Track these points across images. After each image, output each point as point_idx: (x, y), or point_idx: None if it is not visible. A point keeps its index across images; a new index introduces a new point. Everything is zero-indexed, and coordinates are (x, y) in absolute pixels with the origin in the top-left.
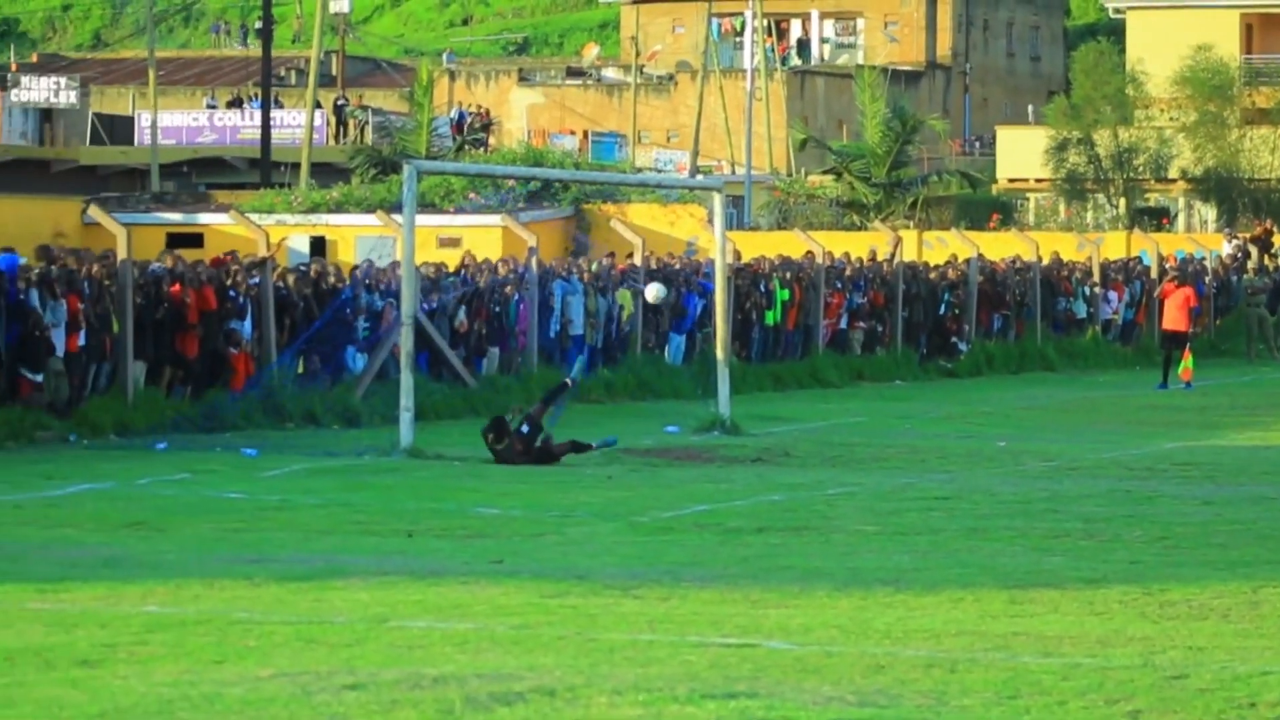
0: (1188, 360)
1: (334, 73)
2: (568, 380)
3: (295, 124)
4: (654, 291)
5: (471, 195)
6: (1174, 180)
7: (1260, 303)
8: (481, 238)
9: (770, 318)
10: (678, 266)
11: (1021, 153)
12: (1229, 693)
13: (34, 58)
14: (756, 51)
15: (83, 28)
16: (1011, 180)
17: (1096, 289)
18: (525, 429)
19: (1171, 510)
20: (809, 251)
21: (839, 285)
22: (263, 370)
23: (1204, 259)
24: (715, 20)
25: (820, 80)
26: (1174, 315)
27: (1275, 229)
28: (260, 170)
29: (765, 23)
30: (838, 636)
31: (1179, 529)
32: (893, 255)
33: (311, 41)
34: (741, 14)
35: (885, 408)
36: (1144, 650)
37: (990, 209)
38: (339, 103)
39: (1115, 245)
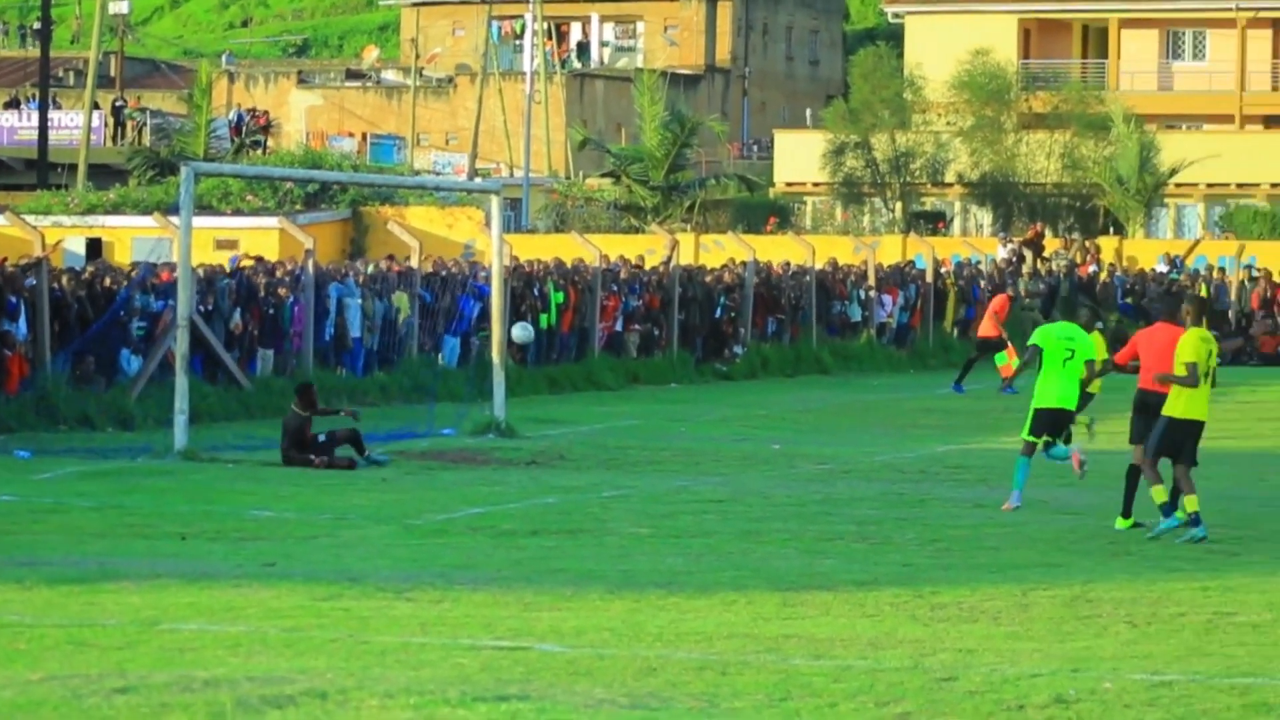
0: (1012, 360)
1: (113, 74)
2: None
3: (73, 125)
4: (520, 332)
5: (249, 197)
6: (950, 184)
7: (1035, 306)
8: (259, 239)
9: (545, 320)
10: (454, 269)
11: (799, 156)
12: (998, 695)
13: None
14: (536, 54)
15: None
16: (789, 184)
17: (872, 293)
18: (323, 439)
19: (943, 513)
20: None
21: (615, 288)
22: (37, 372)
23: (979, 263)
24: (495, 23)
25: (599, 83)
26: (985, 323)
27: (1048, 233)
28: (37, 171)
29: (545, 26)
30: (610, 639)
31: (951, 532)
32: (669, 258)
33: (90, 42)
34: (521, 17)
35: (660, 410)
36: (914, 652)
37: (767, 212)
38: (117, 104)
39: (891, 249)
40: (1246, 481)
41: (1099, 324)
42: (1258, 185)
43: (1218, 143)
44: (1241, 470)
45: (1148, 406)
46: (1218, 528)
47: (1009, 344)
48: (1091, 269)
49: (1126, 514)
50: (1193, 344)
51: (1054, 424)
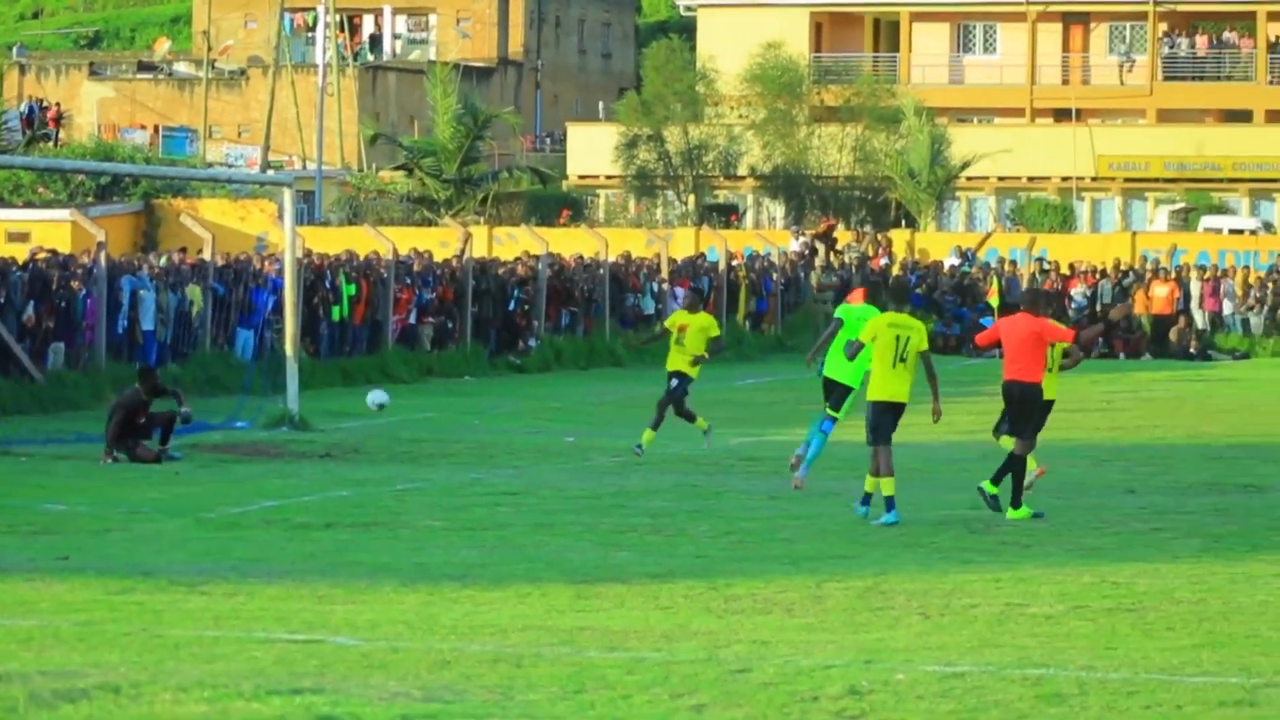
0: None
1: None
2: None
3: None
4: (376, 399)
5: (41, 190)
6: (743, 177)
7: (827, 299)
8: (51, 232)
9: (336, 313)
10: (246, 260)
11: (592, 149)
12: (792, 686)
13: None
14: (328, 47)
15: None
16: (582, 177)
17: (664, 285)
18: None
19: (738, 505)
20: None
21: (409, 281)
22: None
23: (771, 256)
24: (287, 15)
25: (392, 76)
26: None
27: (840, 226)
28: None
29: (337, 18)
30: (404, 632)
31: (745, 524)
32: (462, 251)
33: None
34: (314, 9)
35: (454, 403)
36: (709, 644)
37: (560, 205)
38: None
39: (684, 242)
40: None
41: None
42: (1048, 178)
43: (1008, 136)
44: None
45: (1009, 398)
46: (1009, 520)
47: None
48: (883, 262)
49: (1016, 504)
50: (882, 324)
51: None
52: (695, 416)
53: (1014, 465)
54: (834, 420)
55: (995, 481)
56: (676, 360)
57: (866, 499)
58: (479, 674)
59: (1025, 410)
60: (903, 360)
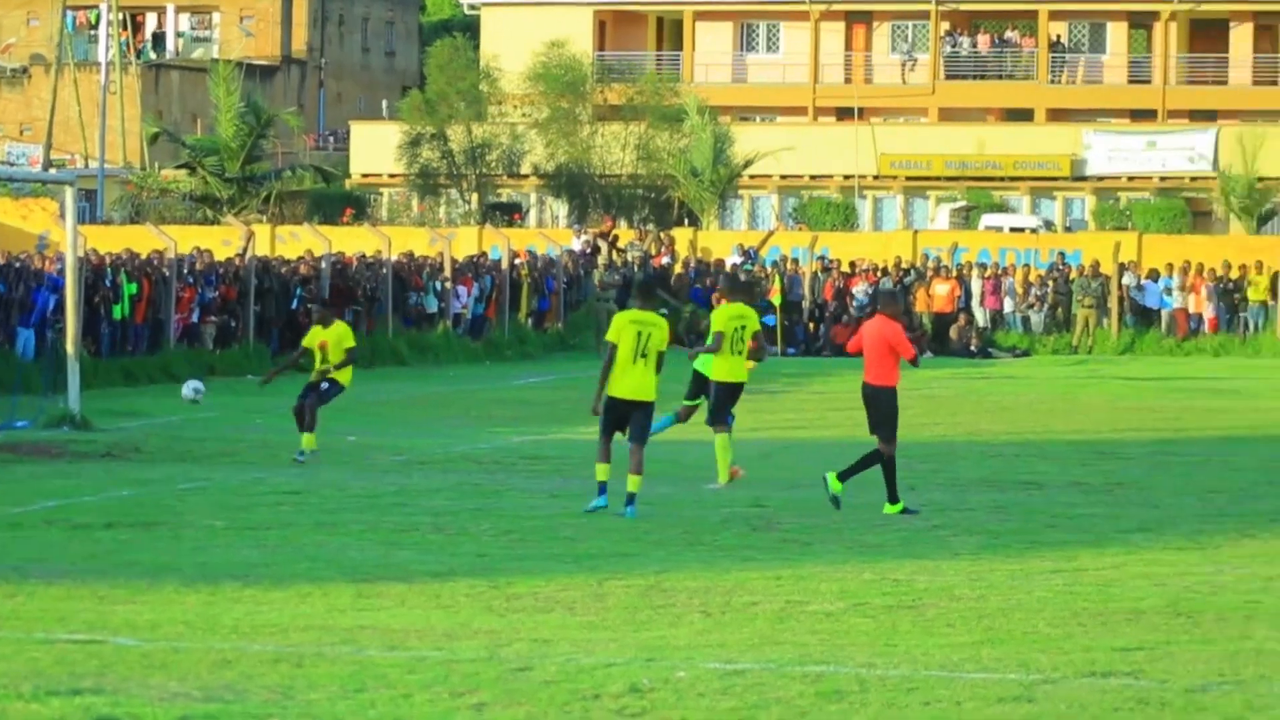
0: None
1: None
2: None
3: None
4: (191, 388)
5: None
6: (526, 176)
7: (610, 298)
8: None
9: (118, 312)
10: (27, 259)
11: (375, 148)
12: (574, 684)
13: None
14: (111, 45)
15: None
16: (365, 175)
17: (448, 284)
18: None
19: (519, 504)
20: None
21: (191, 280)
22: None
23: (554, 255)
24: (70, 13)
25: (175, 74)
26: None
27: (623, 224)
28: None
29: (120, 16)
30: (185, 632)
31: (526, 522)
32: (245, 250)
33: None
34: (96, 7)
35: (236, 403)
36: (490, 643)
37: (344, 204)
38: None
39: (467, 240)
40: (818, 471)
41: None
42: (830, 177)
43: (791, 135)
44: (813, 460)
45: (867, 399)
46: (791, 518)
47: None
48: (665, 260)
49: (893, 499)
50: (724, 317)
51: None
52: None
53: (878, 460)
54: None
55: (842, 478)
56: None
57: (602, 489)
58: (260, 674)
59: (881, 412)
60: (643, 356)
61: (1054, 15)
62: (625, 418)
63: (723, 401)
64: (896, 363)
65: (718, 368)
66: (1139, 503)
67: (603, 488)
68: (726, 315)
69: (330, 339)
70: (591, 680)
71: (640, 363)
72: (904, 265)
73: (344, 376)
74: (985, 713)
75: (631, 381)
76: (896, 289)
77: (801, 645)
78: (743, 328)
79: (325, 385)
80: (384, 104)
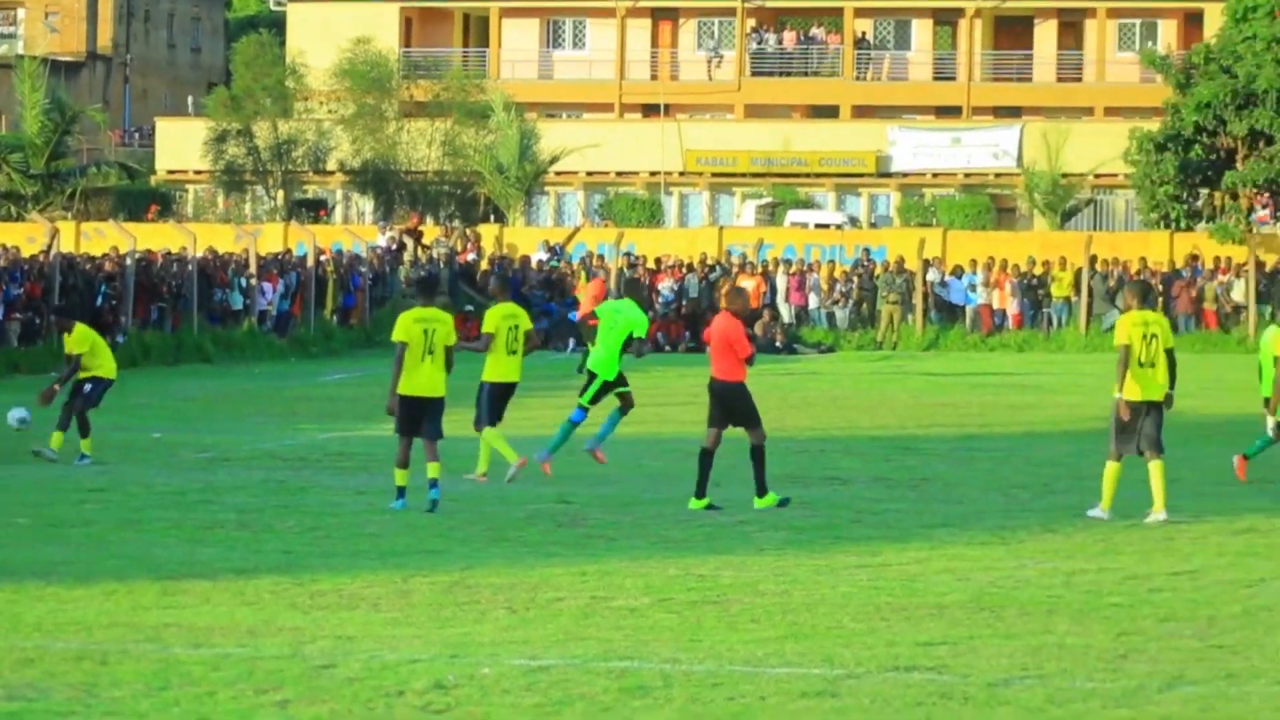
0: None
1: None
2: None
3: None
4: (15, 415)
5: None
6: (332, 172)
7: (411, 294)
8: None
9: None
10: None
11: (181, 144)
12: (378, 681)
13: None
14: None
15: None
16: (171, 172)
17: (253, 280)
18: None
19: (324, 501)
20: None
21: None
22: None
23: (360, 251)
24: None
25: None
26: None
27: (429, 221)
28: None
29: None
30: None
31: (331, 519)
32: (49, 247)
33: None
34: None
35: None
36: (294, 640)
37: (149, 200)
38: None
39: (273, 237)
40: (625, 466)
41: (469, 307)
42: (636, 173)
43: (597, 131)
44: (622, 455)
45: (714, 394)
46: (596, 514)
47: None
48: (471, 256)
49: (700, 494)
50: (496, 317)
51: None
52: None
53: (756, 457)
54: (583, 410)
55: (762, 493)
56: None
57: (402, 493)
58: (63, 671)
59: (728, 406)
60: (430, 353)
61: (859, 12)
62: (420, 415)
63: (494, 401)
64: (738, 359)
65: (490, 368)
66: (943, 498)
67: (401, 492)
68: (499, 315)
69: (70, 343)
70: (396, 677)
71: (428, 360)
72: (709, 261)
73: (104, 370)
74: (789, 708)
75: (421, 379)
76: (741, 288)
77: (606, 641)
78: (515, 327)
79: (88, 387)
80: (190, 100)
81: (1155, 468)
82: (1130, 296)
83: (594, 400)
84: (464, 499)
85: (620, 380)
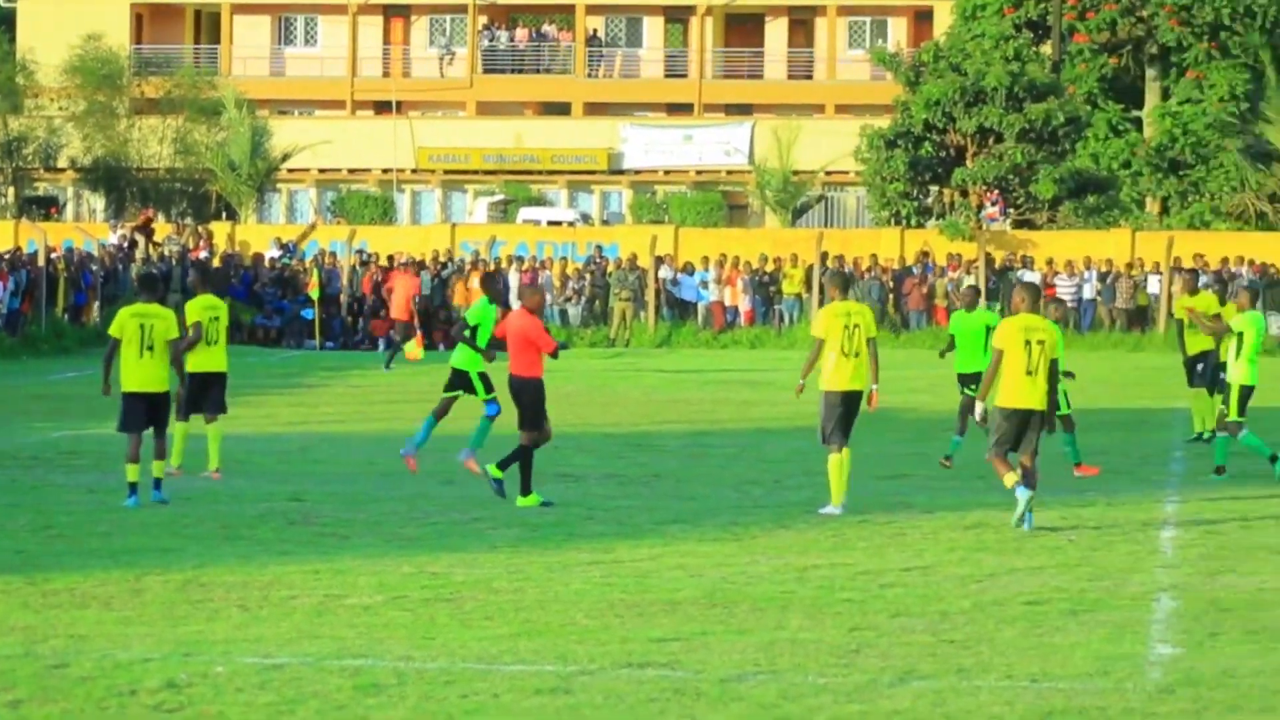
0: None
1: None
2: None
3: None
4: None
5: None
6: (63, 169)
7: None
8: None
9: None
10: None
11: None
12: (110, 680)
13: None
14: None
15: None
16: None
17: None
18: None
19: (56, 499)
20: None
21: None
22: None
23: (91, 248)
24: None
25: None
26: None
27: (161, 218)
28: None
29: None
30: None
31: (63, 518)
32: None
33: None
34: None
35: None
36: (26, 639)
37: None
38: None
39: (3, 235)
40: (356, 465)
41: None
42: (369, 171)
43: (330, 128)
44: (352, 454)
45: (512, 391)
46: (329, 511)
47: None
48: (204, 254)
49: (526, 491)
50: (198, 308)
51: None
52: None
53: (523, 455)
54: (493, 403)
55: (502, 467)
56: None
57: (134, 490)
58: None
59: (523, 403)
60: (150, 349)
61: (591, 9)
62: (148, 412)
63: (191, 393)
64: (539, 355)
65: (193, 359)
66: (675, 495)
67: (133, 488)
68: (199, 307)
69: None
70: (129, 676)
71: (148, 355)
72: (441, 258)
73: None
74: (523, 704)
75: (142, 374)
76: (538, 285)
77: (339, 639)
78: (216, 319)
79: None
80: None
81: (843, 457)
82: (832, 288)
83: (490, 389)
84: (197, 497)
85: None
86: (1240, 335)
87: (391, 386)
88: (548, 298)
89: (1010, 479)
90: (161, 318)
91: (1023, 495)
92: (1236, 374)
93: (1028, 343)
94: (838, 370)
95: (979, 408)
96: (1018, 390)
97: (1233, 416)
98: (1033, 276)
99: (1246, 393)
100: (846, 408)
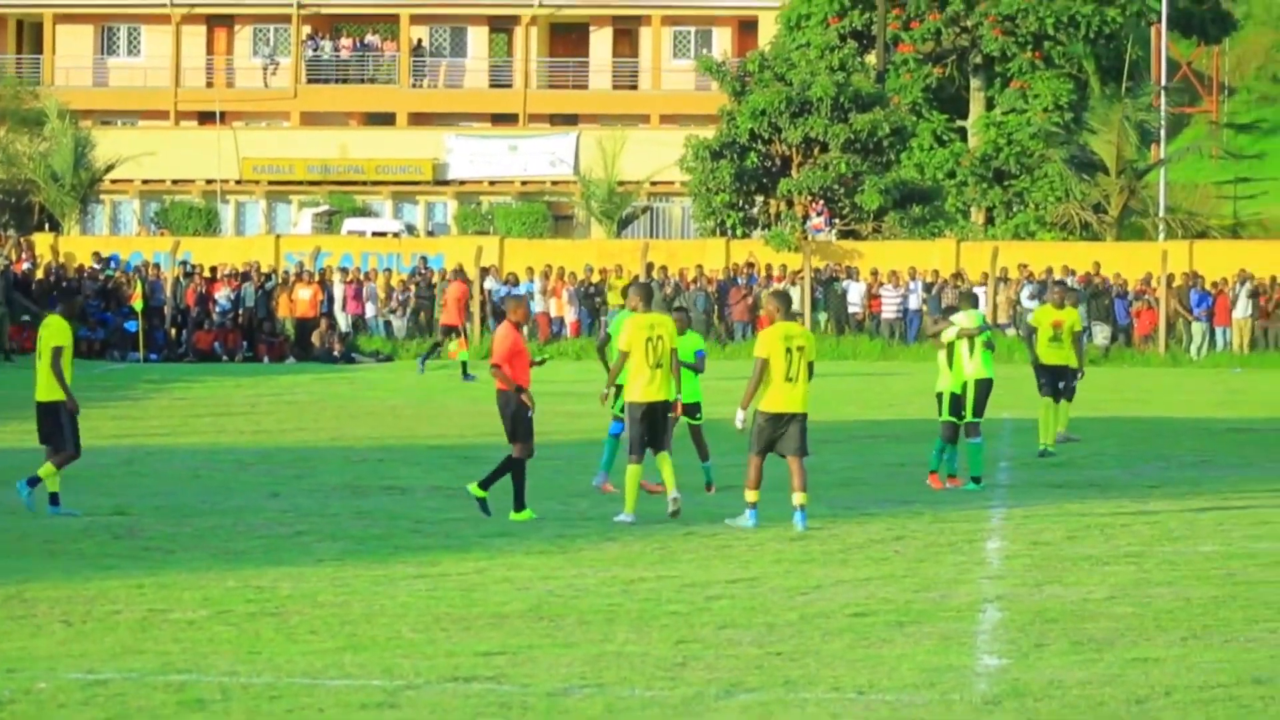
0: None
1: None
2: None
3: None
4: None
5: None
6: None
7: None
8: None
9: None
10: None
11: None
12: None
13: None
14: None
15: None
16: None
17: None
18: None
19: None
20: None
21: None
22: None
23: None
24: None
25: None
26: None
27: None
28: None
29: None
30: None
31: None
32: None
33: None
34: None
35: None
36: None
37: None
38: None
39: None
40: (181, 478)
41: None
42: (193, 181)
43: (153, 139)
44: (177, 467)
45: (502, 403)
46: (153, 525)
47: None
48: (26, 266)
49: (484, 486)
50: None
51: None
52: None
53: (514, 468)
54: (618, 421)
55: (484, 485)
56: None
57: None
58: None
59: (512, 416)
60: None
61: (415, 19)
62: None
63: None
64: (527, 367)
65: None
66: (502, 507)
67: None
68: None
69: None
70: None
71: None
72: (264, 270)
73: None
74: (349, 719)
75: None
76: (521, 295)
77: (164, 654)
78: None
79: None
80: None
81: (663, 459)
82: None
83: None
84: (21, 512)
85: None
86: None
87: (214, 398)
88: (370, 309)
89: (752, 496)
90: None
91: (749, 520)
92: (972, 371)
93: (789, 350)
94: (641, 380)
95: (740, 414)
96: (779, 396)
97: (970, 416)
98: (782, 287)
99: (984, 388)
100: (651, 419)
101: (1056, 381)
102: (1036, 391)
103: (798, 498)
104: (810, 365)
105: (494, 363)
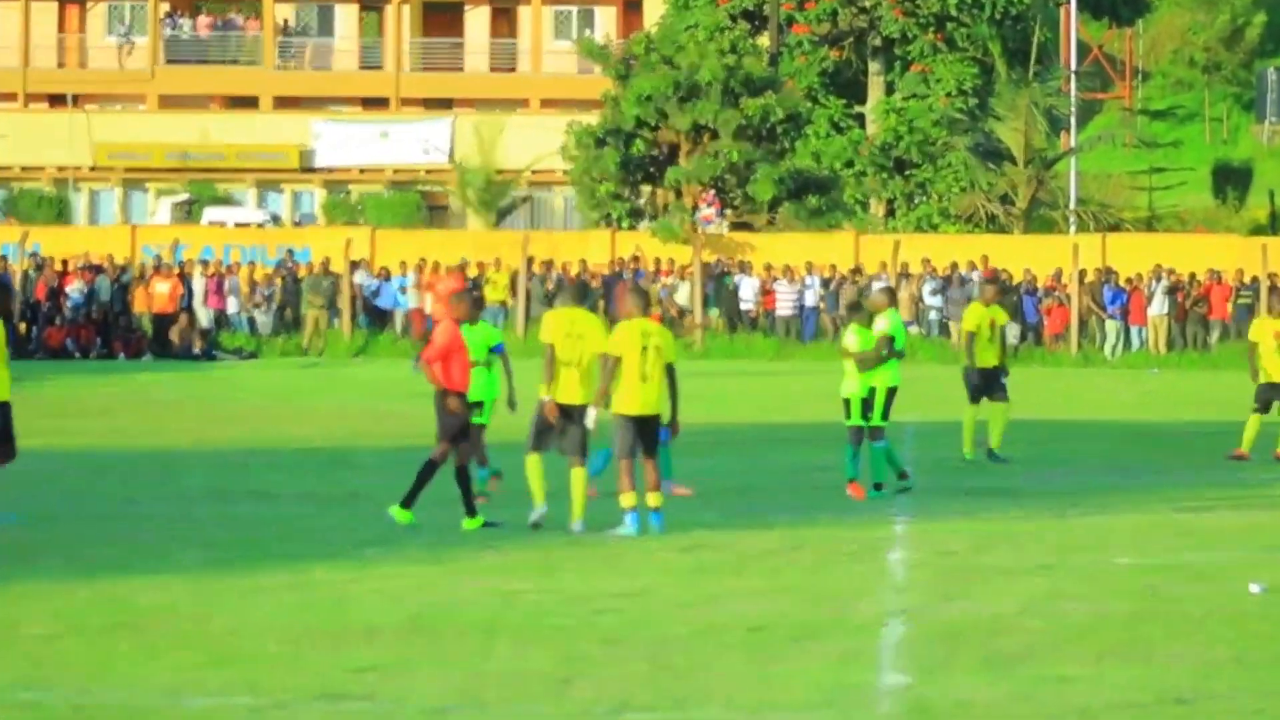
0: None
1: None
2: None
3: None
4: None
5: None
6: None
7: None
8: None
9: None
10: None
11: None
12: None
13: None
14: None
15: None
16: None
17: None
18: None
19: None
20: None
21: None
22: None
23: None
24: None
25: None
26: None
27: None
28: None
29: None
30: None
31: None
32: None
33: None
34: None
35: None
36: None
37: None
38: None
39: None
40: (35, 483)
41: None
42: (43, 168)
43: (1, 122)
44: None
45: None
46: (5, 531)
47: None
48: None
49: (408, 501)
50: None
51: None
52: None
53: (429, 471)
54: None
55: (469, 512)
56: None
57: None
58: None
59: (437, 413)
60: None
61: None
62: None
63: None
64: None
65: None
66: (375, 514)
67: None
68: None
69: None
70: None
71: None
72: (120, 262)
73: None
74: None
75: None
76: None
77: (13, 670)
78: None
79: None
80: None
81: (577, 475)
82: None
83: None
84: None
85: None
86: (892, 338)
87: (66, 400)
88: (233, 304)
89: (628, 500)
90: None
91: (630, 528)
92: (884, 377)
93: (644, 348)
94: (566, 383)
95: (590, 413)
96: (634, 396)
97: (878, 420)
98: (644, 280)
99: (892, 394)
100: (560, 421)
101: (987, 385)
102: (944, 395)
103: (652, 498)
104: (670, 367)
105: (425, 358)
